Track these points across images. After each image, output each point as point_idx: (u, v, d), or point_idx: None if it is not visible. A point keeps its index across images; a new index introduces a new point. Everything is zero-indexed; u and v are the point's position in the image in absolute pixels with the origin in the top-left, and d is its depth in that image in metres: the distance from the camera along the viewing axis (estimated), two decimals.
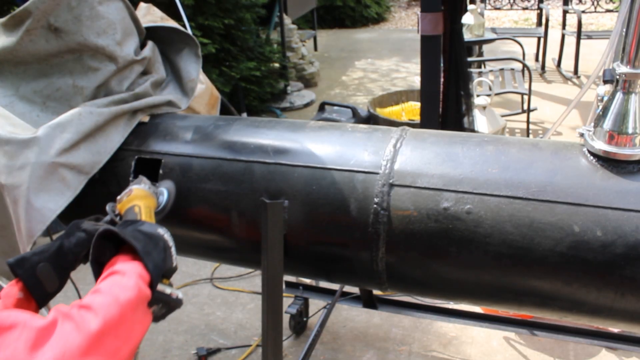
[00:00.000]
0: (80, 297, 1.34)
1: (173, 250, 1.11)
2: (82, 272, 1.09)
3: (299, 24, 6.81)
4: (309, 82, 5.87)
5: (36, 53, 1.33)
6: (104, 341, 0.81)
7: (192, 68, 1.60)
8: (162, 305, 1.05)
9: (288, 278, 2.39)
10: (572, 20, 6.09)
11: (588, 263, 1.04)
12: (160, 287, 1.04)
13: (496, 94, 4.27)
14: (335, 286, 2.29)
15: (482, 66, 5.00)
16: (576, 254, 1.04)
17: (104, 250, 1.03)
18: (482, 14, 5.05)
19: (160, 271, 1.03)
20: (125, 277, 0.94)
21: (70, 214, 1.25)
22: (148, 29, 1.53)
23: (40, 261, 0.98)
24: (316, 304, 2.53)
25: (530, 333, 2.09)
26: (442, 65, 2.40)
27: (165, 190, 1.29)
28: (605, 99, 1.15)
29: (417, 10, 2.85)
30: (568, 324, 2.03)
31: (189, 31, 1.66)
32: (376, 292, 2.27)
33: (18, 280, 0.96)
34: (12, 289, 0.95)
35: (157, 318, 1.08)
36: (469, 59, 4.13)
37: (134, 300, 0.91)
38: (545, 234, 1.06)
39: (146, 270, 0.98)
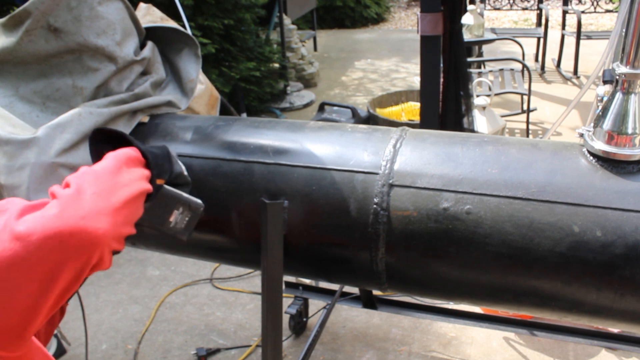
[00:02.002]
0: (80, 298, 1.34)
1: (180, 163, 1.13)
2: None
3: (299, 24, 6.82)
4: (308, 83, 5.87)
5: (36, 53, 1.32)
6: (80, 199, 0.85)
7: (192, 68, 1.60)
8: (183, 210, 1.09)
9: (288, 278, 2.40)
10: (571, 20, 6.10)
11: (588, 263, 1.04)
12: (174, 189, 1.07)
13: (496, 94, 4.27)
14: (335, 286, 2.29)
15: (482, 66, 5.01)
16: (576, 254, 1.04)
17: (102, 154, 1.06)
18: (481, 15, 5.05)
19: (159, 161, 1.05)
20: (108, 157, 0.99)
21: None
22: (148, 29, 1.52)
23: None
24: (316, 304, 2.53)
25: (530, 333, 2.09)
26: (441, 65, 2.40)
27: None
28: (605, 99, 1.15)
29: (417, 10, 2.85)
30: (568, 324, 2.03)
31: (189, 31, 1.66)
32: (376, 292, 2.27)
33: None
34: None
35: (182, 231, 1.11)
36: (469, 59, 4.14)
37: (112, 166, 0.95)
38: (545, 234, 1.06)
39: (140, 152, 1.02)
